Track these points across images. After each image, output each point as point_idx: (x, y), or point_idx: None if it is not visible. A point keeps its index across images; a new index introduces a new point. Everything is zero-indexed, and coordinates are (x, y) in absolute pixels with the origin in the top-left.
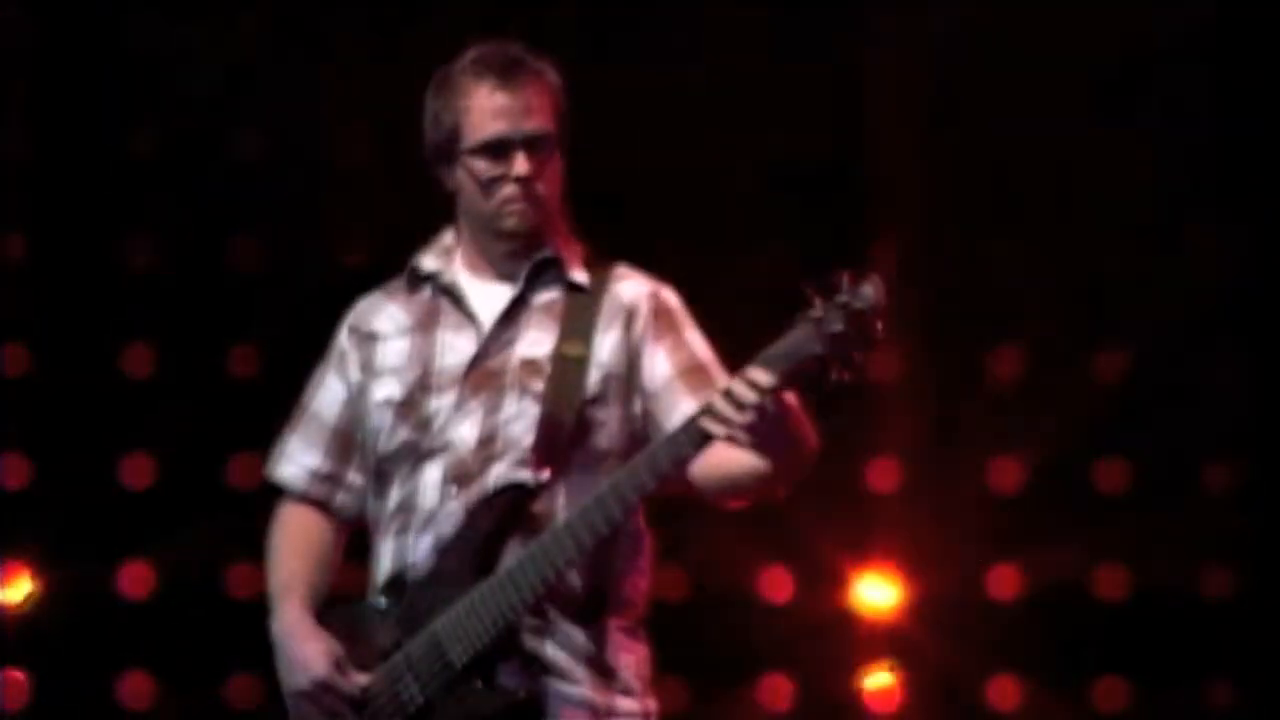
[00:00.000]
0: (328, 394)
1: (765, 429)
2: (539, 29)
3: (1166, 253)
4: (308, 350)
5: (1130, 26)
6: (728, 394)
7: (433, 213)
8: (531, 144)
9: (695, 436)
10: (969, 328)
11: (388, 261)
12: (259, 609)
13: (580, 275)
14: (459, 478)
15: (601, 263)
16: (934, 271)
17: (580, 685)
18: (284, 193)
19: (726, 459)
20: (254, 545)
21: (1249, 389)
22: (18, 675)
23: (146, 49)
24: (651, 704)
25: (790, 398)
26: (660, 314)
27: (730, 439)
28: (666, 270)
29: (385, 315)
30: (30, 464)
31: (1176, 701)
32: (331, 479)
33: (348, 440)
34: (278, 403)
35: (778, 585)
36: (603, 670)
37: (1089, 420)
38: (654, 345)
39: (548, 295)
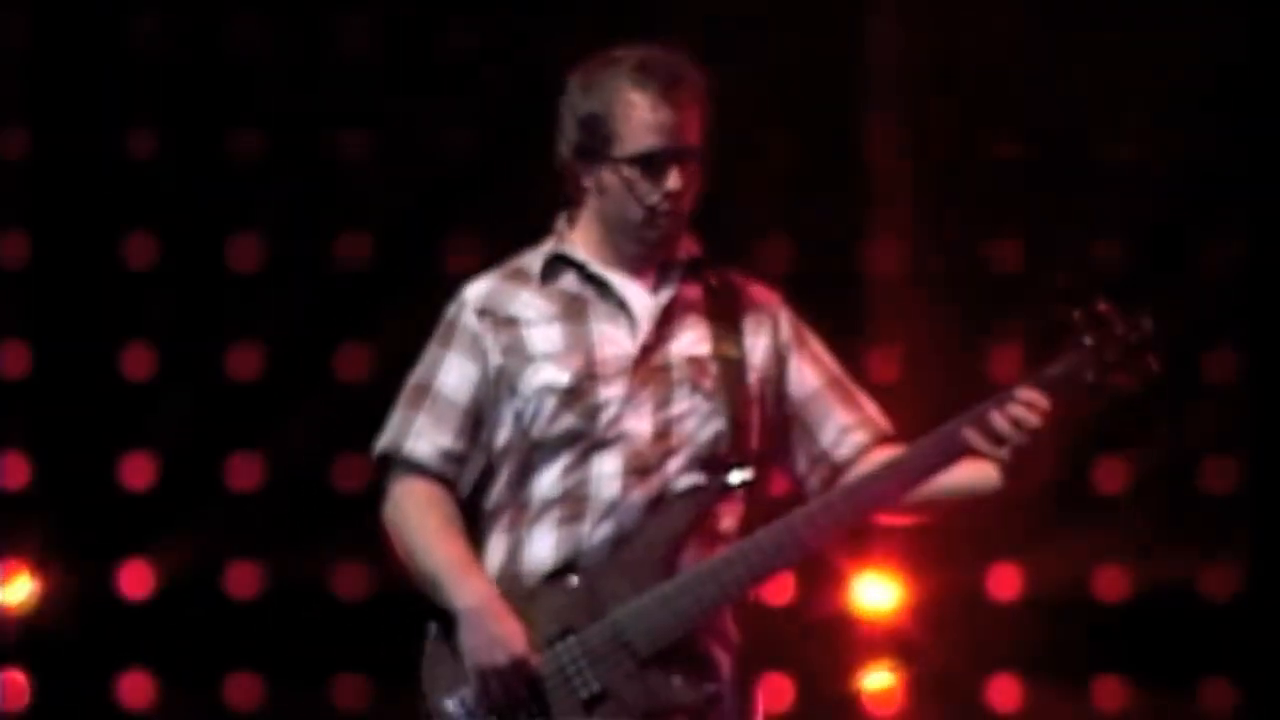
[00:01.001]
0: (456, 375)
1: (1032, 451)
2: (537, 23)
3: (1166, 251)
4: (308, 349)
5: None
6: (1005, 414)
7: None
8: (682, 159)
9: (953, 450)
10: (968, 326)
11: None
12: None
13: (712, 277)
14: (638, 470)
15: (715, 266)
16: (934, 270)
17: (729, 682)
18: (284, 193)
19: (947, 475)
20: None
21: (1249, 387)
22: (18, 675)
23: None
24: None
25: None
26: (795, 324)
27: (993, 457)
28: None
29: (521, 302)
30: (30, 464)
31: (1177, 701)
32: (460, 459)
33: (476, 421)
34: (278, 403)
35: (778, 585)
36: (744, 664)
37: (1088, 419)
38: (799, 354)
39: (692, 293)
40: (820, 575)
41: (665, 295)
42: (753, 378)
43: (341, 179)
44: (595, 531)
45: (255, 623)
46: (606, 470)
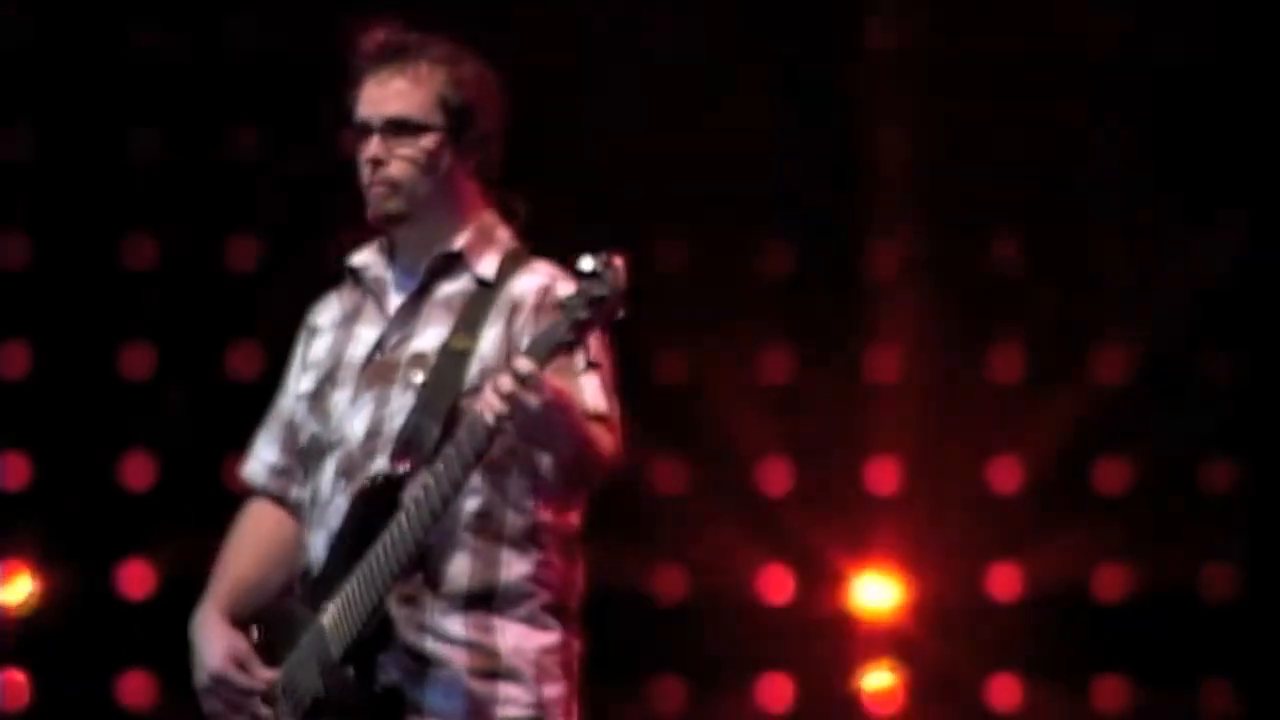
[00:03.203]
0: (286, 390)
1: (526, 418)
2: (536, 23)
3: (1165, 252)
4: None
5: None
6: (493, 383)
7: None
8: (389, 128)
9: (485, 426)
10: (969, 327)
11: None
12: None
13: (487, 268)
14: (347, 471)
15: (523, 257)
16: (934, 271)
17: (460, 676)
18: (283, 193)
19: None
20: None
21: (1247, 387)
22: (18, 675)
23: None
24: (551, 691)
25: (557, 390)
26: (545, 308)
27: (501, 427)
28: (666, 267)
29: (328, 312)
30: (30, 464)
31: (1176, 701)
32: (286, 473)
33: (296, 434)
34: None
35: (778, 585)
36: (486, 659)
37: (1089, 420)
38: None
39: (452, 288)
40: (820, 575)
41: (412, 291)
42: (475, 369)
43: (340, 179)
44: (315, 538)
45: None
46: (327, 474)
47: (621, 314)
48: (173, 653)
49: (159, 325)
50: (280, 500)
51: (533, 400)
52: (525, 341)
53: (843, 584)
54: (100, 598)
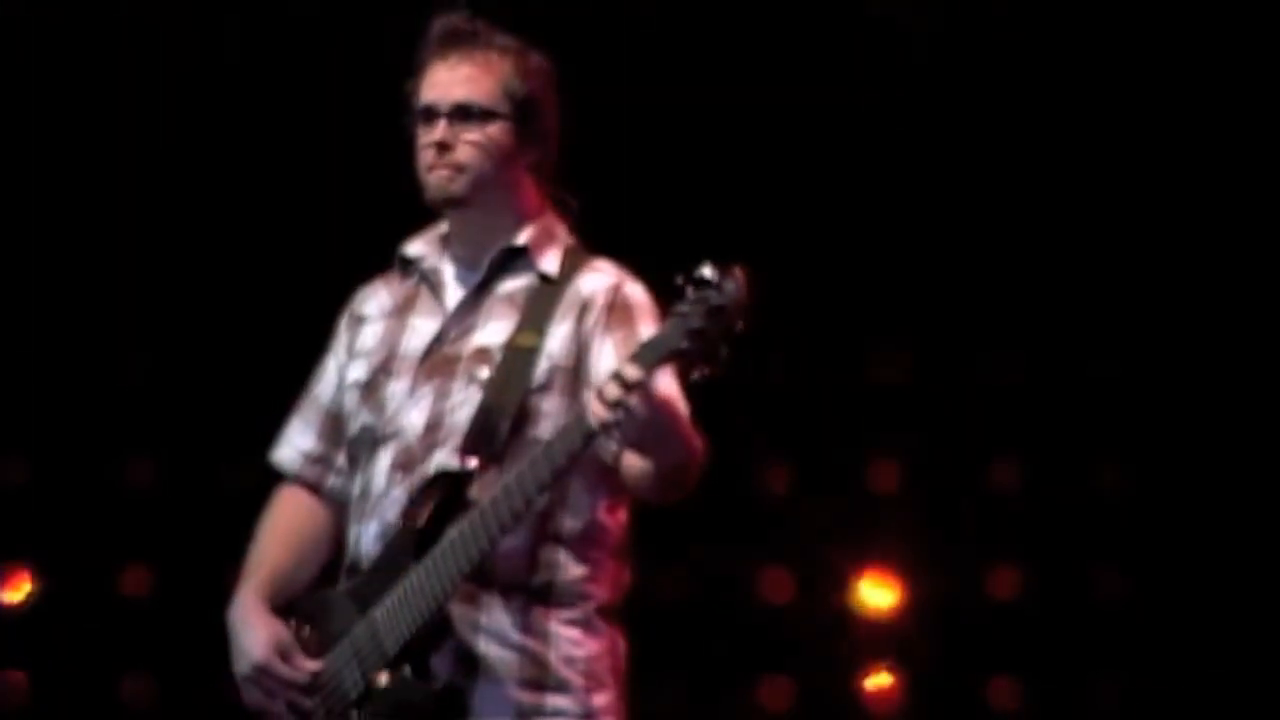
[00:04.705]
0: (324, 377)
1: (635, 425)
2: (549, 37)
3: (1162, 257)
4: (310, 351)
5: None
6: (599, 389)
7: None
8: (457, 113)
9: (583, 431)
10: (969, 330)
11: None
12: None
13: (550, 265)
14: (404, 464)
15: (583, 254)
16: (933, 275)
17: (507, 683)
18: (284, 200)
19: (634, 456)
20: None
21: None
22: (18, 675)
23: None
24: (600, 700)
25: (665, 396)
26: (616, 307)
27: (607, 433)
28: (663, 268)
29: (375, 300)
30: (30, 464)
31: (1176, 701)
32: (323, 461)
33: (338, 423)
34: (278, 404)
35: (778, 585)
36: (536, 667)
37: (1089, 425)
38: (603, 338)
39: (514, 284)
40: (820, 575)
41: (474, 285)
42: (543, 366)
43: (342, 185)
44: (367, 529)
45: None
46: (381, 466)
47: (741, 327)
48: (173, 653)
49: (159, 325)
50: (314, 489)
51: (642, 407)
52: (597, 341)
53: (843, 584)
54: (100, 598)
